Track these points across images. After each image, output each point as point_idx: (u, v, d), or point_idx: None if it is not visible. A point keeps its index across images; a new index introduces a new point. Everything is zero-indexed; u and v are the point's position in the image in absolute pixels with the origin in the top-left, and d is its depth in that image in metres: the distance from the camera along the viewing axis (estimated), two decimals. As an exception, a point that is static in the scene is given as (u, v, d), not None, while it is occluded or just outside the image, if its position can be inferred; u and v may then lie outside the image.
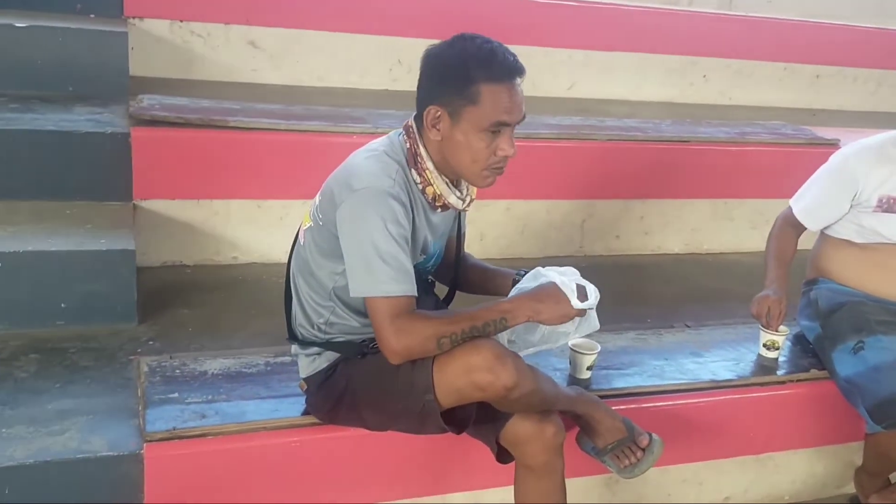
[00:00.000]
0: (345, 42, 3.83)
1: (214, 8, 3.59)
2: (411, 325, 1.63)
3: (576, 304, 1.72)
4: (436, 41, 1.77)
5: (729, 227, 3.61)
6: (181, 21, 3.56)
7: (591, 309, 1.79)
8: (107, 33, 3.12)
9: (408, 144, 1.75)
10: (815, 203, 2.45)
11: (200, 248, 2.87)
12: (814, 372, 2.43)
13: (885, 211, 2.35)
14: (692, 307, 2.98)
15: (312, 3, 3.76)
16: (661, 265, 3.44)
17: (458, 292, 2.08)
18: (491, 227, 3.29)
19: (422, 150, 1.74)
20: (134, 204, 2.72)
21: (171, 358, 2.18)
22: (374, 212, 1.63)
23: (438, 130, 1.70)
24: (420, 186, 1.75)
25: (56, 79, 3.00)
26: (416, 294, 1.67)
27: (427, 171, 1.74)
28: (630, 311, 2.91)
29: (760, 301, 2.37)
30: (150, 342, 2.34)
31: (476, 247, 3.26)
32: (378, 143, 1.80)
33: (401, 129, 1.79)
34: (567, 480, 2.10)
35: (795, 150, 3.52)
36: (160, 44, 3.53)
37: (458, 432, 1.80)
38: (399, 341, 1.62)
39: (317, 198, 1.81)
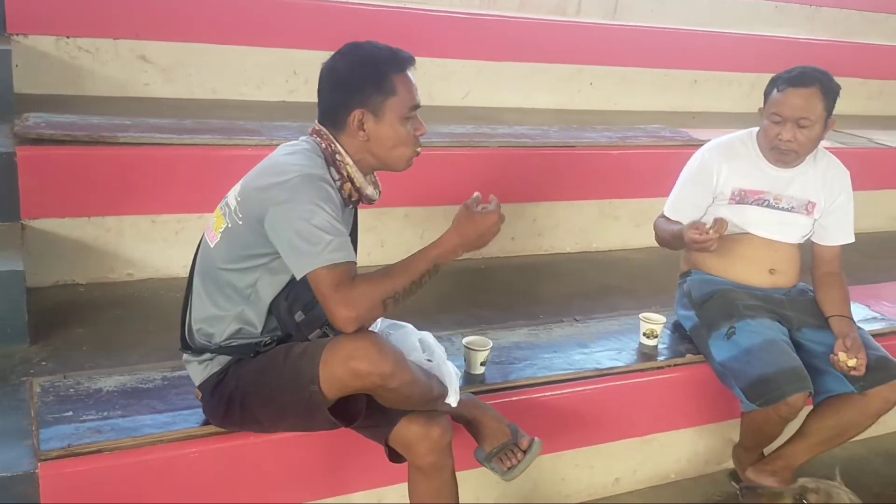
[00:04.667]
0: (238, 54, 3.85)
1: (102, 23, 3.55)
2: (354, 292, 1.66)
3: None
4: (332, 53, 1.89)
5: (615, 226, 3.80)
6: (67, 37, 3.50)
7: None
8: (-12, 51, 3.06)
9: (323, 145, 1.84)
10: (679, 199, 2.61)
11: (93, 266, 2.84)
12: (689, 357, 2.60)
13: (738, 203, 2.55)
14: (581, 302, 3.13)
15: (203, 16, 3.76)
16: (554, 264, 3.60)
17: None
18: (391, 234, 3.37)
19: (339, 147, 1.83)
20: (22, 223, 2.68)
21: (65, 377, 2.17)
22: (311, 193, 1.70)
23: (365, 131, 1.82)
24: (338, 184, 1.84)
25: (-64, 97, 2.92)
26: (355, 260, 1.73)
27: (347, 167, 1.83)
28: (524, 308, 3.05)
29: (690, 229, 2.36)
30: (43, 363, 2.31)
31: (377, 254, 3.34)
32: (293, 145, 1.87)
33: (307, 136, 1.88)
34: (466, 472, 2.22)
35: (673, 151, 3.74)
36: (46, 60, 3.47)
37: (348, 425, 1.84)
38: (347, 310, 1.65)
39: (233, 199, 1.84)
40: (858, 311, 2.89)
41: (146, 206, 2.86)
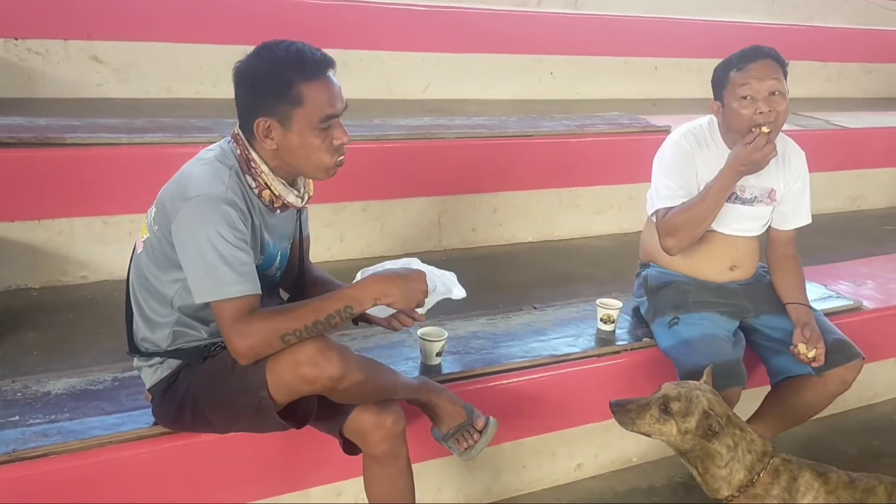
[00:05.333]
0: (192, 52, 3.82)
1: (51, 24, 3.51)
2: (251, 326, 1.65)
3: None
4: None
5: (576, 214, 3.81)
6: (16, 39, 3.46)
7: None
8: (-69, 54, 3.01)
9: (238, 151, 1.78)
10: (676, 184, 2.41)
11: (46, 270, 2.81)
12: (646, 340, 2.59)
13: None
14: (541, 291, 3.14)
15: (156, 14, 3.73)
16: (516, 254, 3.60)
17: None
18: (350, 229, 3.36)
19: (254, 155, 1.76)
20: (-30, 229, 2.64)
21: (13, 382, 2.13)
22: (209, 218, 1.65)
23: (273, 140, 1.73)
24: (256, 191, 1.79)
25: None
26: (258, 293, 1.70)
27: (263, 175, 1.76)
28: (484, 298, 3.03)
29: (741, 147, 2.30)
30: (-9, 368, 2.29)
31: (337, 248, 3.34)
32: (209, 151, 1.82)
33: (229, 138, 1.82)
34: (426, 462, 2.22)
35: (631, 138, 3.76)
36: (-6, 63, 3.43)
37: (300, 427, 1.83)
38: (242, 342, 1.64)
39: (152, 209, 1.82)
40: (815, 290, 2.93)
41: (97, 207, 2.82)
